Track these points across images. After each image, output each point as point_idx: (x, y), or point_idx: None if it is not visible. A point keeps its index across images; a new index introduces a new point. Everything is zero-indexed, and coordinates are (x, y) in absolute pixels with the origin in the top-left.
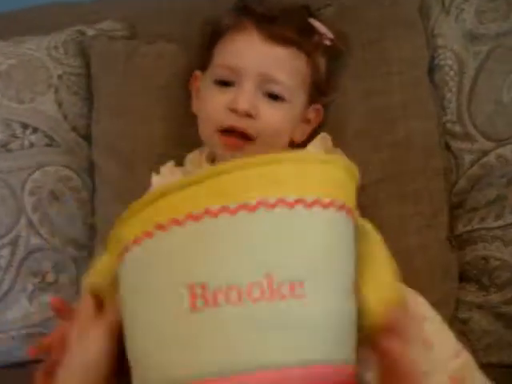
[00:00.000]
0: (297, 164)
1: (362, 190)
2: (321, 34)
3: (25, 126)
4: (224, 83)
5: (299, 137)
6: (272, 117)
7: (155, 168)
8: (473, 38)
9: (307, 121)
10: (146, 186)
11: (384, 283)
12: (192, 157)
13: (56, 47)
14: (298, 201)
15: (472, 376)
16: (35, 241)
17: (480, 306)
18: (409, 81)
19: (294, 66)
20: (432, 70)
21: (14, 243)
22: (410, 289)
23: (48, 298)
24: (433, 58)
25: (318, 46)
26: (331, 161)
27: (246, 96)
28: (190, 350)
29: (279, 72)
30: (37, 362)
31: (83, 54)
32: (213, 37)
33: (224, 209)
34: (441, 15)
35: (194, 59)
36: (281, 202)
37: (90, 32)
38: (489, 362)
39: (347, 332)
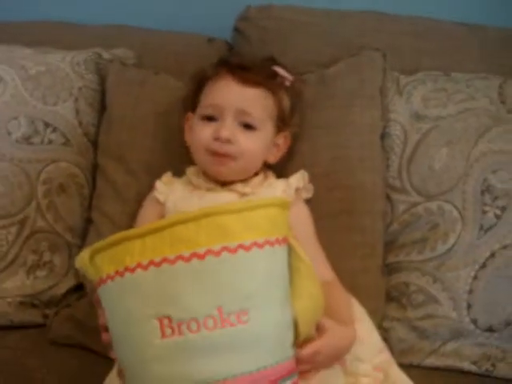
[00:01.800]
0: (237, 214)
1: (320, 220)
2: (282, 77)
3: (47, 125)
4: (209, 118)
5: (272, 159)
6: (247, 142)
7: (154, 175)
8: (418, 117)
9: (277, 146)
10: (145, 190)
11: (306, 293)
12: (193, 169)
13: (78, 63)
14: (239, 246)
15: (392, 368)
16: (40, 223)
17: (399, 320)
18: (366, 141)
19: (262, 103)
20: (383, 136)
21: (22, 223)
22: (353, 298)
23: (41, 273)
24: (385, 127)
25: (281, 86)
26: (264, 204)
27: (226, 127)
28: (164, 368)
29: (251, 107)
30: (28, 327)
31: (99, 73)
32: (199, 85)
33: (179, 257)
34: (395, 95)
35: (185, 102)
36: (225, 249)
37: (106, 55)
38: (401, 362)
39: (287, 335)
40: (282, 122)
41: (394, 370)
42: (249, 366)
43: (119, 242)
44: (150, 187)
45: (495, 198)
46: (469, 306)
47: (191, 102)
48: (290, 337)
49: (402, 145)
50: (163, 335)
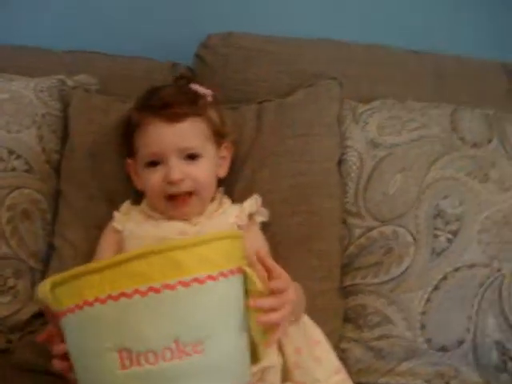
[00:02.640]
0: (190, 249)
1: (280, 245)
2: (203, 95)
3: (10, 152)
4: (153, 163)
5: (222, 172)
6: (197, 172)
7: (115, 202)
8: (373, 144)
9: (223, 158)
10: (106, 216)
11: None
12: (147, 201)
13: (42, 90)
14: (193, 280)
15: None
16: (4, 250)
17: (356, 340)
18: (324, 168)
19: (196, 131)
20: (340, 162)
21: None
22: (310, 320)
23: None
24: (342, 154)
25: (205, 105)
26: (216, 237)
27: (173, 168)
28: None
29: (188, 141)
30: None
31: (63, 100)
32: (128, 132)
33: (136, 291)
34: (351, 123)
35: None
36: (180, 283)
37: (70, 82)
38: (358, 382)
39: (244, 359)
40: (218, 136)
41: None
42: None
43: (78, 276)
44: (111, 214)
45: (447, 223)
46: (422, 327)
47: (126, 149)
48: (247, 361)
49: (358, 171)
50: (123, 367)
